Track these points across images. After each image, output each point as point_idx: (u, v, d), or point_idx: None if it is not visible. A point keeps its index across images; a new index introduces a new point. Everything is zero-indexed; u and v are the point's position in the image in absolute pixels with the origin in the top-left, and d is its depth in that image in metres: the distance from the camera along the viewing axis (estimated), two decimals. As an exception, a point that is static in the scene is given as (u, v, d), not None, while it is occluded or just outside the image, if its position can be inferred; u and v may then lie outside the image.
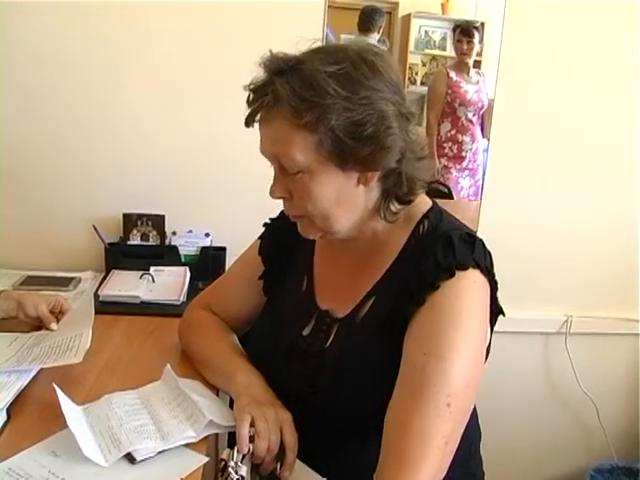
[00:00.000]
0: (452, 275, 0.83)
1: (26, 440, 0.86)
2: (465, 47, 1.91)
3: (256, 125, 0.88)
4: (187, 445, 0.87)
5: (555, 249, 1.74)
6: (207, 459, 0.86)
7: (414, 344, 0.83)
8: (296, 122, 0.81)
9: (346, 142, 0.81)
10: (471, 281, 0.85)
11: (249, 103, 0.87)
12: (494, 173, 1.69)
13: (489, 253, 0.89)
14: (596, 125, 1.68)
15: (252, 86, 0.86)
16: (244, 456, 0.84)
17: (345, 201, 0.87)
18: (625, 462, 1.89)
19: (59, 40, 1.47)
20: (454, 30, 1.94)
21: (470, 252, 0.86)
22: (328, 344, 0.94)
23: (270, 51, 0.85)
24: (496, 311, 0.91)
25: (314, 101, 0.80)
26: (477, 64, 1.95)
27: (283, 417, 0.89)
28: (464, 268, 0.84)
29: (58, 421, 0.89)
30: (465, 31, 1.90)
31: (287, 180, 0.87)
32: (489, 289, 0.88)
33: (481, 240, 0.89)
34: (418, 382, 0.80)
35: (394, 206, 0.91)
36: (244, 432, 0.85)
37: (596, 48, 1.62)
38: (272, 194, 0.89)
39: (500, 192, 1.70)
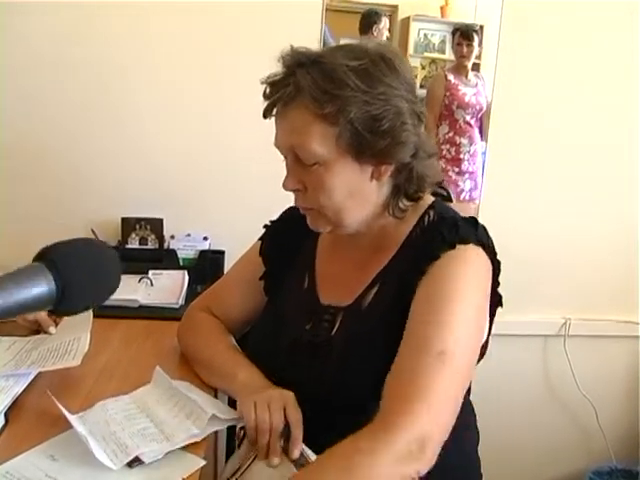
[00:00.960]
0: (453, 247, 0.86)
1: (24, 444, 0.86)
2: (465, 50, 1.92)
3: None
4: (184, 448, 0.87)
5: (554, 252, 1.75)
6: (204, 462, 0.86)
7: (414, 313, 0.86)
8: (317, 112, 0.83)
9: (364, 135, 0.84)
10: (473, 254, 0.87)
11: (267, 96, 0.88)
12: (492, 176, 1.69)
13: (491, 238, 0.92)
14: (595, 127, 1.68)
15: (270, 79, 0.87)
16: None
17: (358, 195, 0.89)
18: (624, 464, 1.89)
19: (59, 40, 1.47)
20: (453, 33, 1.94)
21: (474, 231, 0.89)
22: (334, 332, 0.94)
23: (291, 46, 0.87)
24: (496, 300, 0.93)
25: (335, 93, 0.82)
26: (476, 67, 1.95)
27: (285, 395, 0.89)
28: (465, 242, 0.87)
29: (56, 425, 0.89)
30: (465, 34, 1.90)
31: (301, 172, 0.88)
32: (491, 269, 0.90)
33: (484, 226, 0.92)
34: (415, 344, 0.83)
35: (403, 203, 0.93)
36: (251, 415, 0.86)
37: (594, 50, 1.62)
38: (285, 186, 0.90)
39: (498, 194, 1.70)
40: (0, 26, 1.44)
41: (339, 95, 0.82)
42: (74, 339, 1.06)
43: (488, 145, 1.70)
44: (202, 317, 1.12)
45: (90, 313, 1.11)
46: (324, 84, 0.82)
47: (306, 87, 0.82)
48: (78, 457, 0.82)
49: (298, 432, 0.86)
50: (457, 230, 0.88)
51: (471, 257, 0.87)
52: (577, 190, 1.72)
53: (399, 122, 0.85)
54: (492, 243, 0.92)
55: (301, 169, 0.88)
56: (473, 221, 0.92)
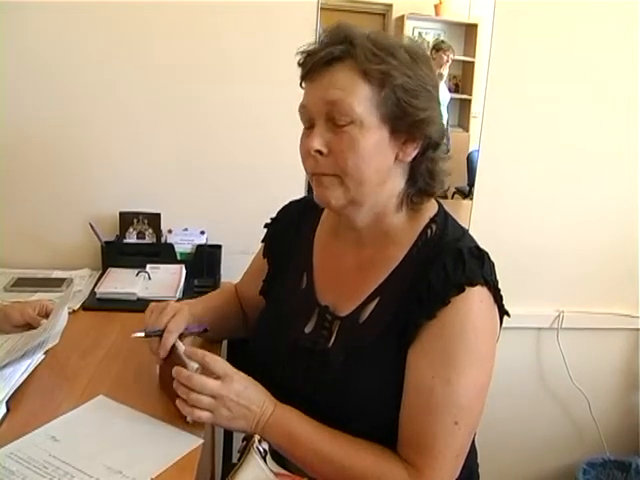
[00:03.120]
0: (462, 291, 0.86)
1: (26, 431, 0.88)
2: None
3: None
4: (183, 427, 0.89)
5: (547, 246, 1.76)
6: (202, 441, 0.88)
7: (423, 363, 0.87)
8: (365, 73, 0.85)
9: (404, 104, 0.86)
10: (478, 301, 0.87)
11: (311, 55, 0.88)
12: (485, 170, 1.70)
13: (493, 264, 0.91)
14: (589, 123, 1.69)
15: (322, 38, 0.89)
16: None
17: (381, 172, 0.88)
18: (617, 456, 1.91)
19: (57, 38, 1.48)
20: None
21: (479, 267, 0.88)
22: (331, 344, 0.95)
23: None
24: (501, 314, 0.94)
25: (385, 59, 0.85)
26: (470, 65, 1.97)
27: (179, 307, 1.01)
28: (473, 285, 0.86)
29: (57, 413, 0.92)
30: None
31: (329, 135, 0.87)
32: (495, 304, 0.90)
33: (487, 253, 0.91)
34: (427, 403, 0.85)
35: (414, 197, 0.93)
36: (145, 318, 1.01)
37: (588, 48, 1.63)
38: (310, 147, 0.87)
39: (492, 188, 1.71)
40: (0, 26, 1.45)
41: (388, 61, 0.84)
42: (55, 320, 1.07)
43: (481, 141, 1.71)
44: (226, 285, 1.29)
45: (69, 290, 1.17)
46: (376, 49, 0.85)
47: (360, 46, 0.85)
48: (79, 437, 0.85)
49: (167, 337, 0.96)
50: (463, 267, 0.87)
51: (478, 306, 0.87)
52: (571, 183, 1.73)
53: (433, 103, 0.89)
54: (496, 278, 0.91)
55: (330, 131, 0.87)
56: (478, 252, 0.90)
